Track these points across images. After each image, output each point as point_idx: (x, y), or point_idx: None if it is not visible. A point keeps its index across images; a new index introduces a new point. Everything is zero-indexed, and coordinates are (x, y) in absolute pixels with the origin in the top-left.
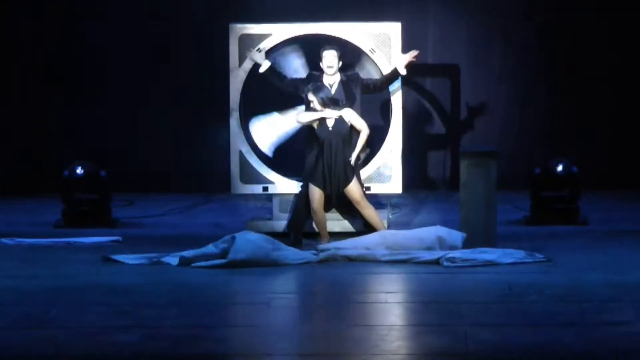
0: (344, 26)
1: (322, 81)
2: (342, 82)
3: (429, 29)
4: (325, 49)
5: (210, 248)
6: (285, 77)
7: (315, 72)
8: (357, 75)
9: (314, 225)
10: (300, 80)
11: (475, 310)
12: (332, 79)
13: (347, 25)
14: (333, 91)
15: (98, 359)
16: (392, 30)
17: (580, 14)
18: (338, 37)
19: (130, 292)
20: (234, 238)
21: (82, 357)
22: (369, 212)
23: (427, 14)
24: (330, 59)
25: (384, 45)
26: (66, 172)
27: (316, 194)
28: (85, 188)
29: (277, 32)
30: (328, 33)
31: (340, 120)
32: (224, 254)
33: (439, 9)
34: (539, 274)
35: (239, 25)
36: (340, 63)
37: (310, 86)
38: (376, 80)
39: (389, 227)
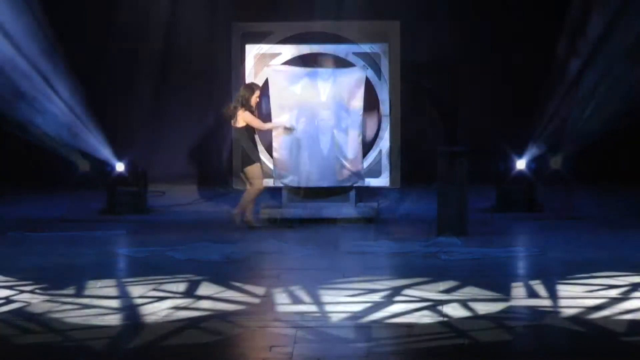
0: (343, 24)
1: None
2: None
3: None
4: None
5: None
6: None
7: None
8: None
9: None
10: None
11: (450, 284)
12: None
13: (346, 23)
14: None
15: (136, 326)
16: (391, 28)
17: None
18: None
19: (164, 269)
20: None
21: (121, 324)
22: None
23: (422, 15)
24: None
25: (375, 63)
26: (110, 168)
27: None
28: (126, 182)
29: (278, 30)
30: (326, 31)
31: None
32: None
33: (433, 10)
34: (502, 254)
35: (241, 24)
36: None
37: None
38: None
39: (379, 214)
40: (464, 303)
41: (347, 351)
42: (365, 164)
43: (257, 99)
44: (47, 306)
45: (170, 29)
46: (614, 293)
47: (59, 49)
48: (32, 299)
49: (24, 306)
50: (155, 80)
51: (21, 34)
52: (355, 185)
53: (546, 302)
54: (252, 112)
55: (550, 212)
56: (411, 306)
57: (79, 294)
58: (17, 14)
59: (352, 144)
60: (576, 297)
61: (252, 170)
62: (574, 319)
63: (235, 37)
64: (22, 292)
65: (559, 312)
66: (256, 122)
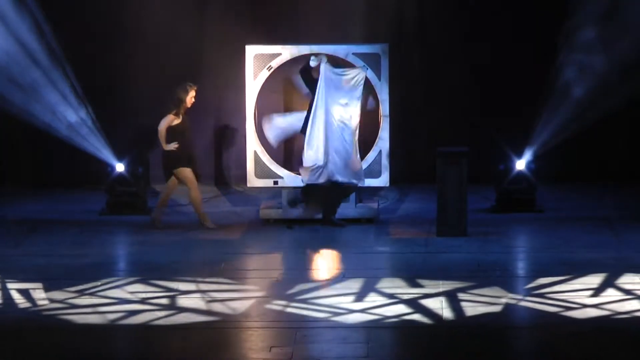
0: (340, 48)
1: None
2: None
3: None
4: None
5: None
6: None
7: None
8: None
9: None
10: None
11: (450, 284)
12: None
13: (343, 47)
14: None
15: (136, 327)
16: (382, 50)
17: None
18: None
19: (163, 269)
20: None
21: (121, 325)
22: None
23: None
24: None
25: (375, 63)
26: (110, 169)
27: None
28: (125, 182)
29: (286, 51)
30: (328, 53)
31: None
32: None
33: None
34: (502, 254)
35: (254, 46)
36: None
37: None
38: None
39: (379, 214)
40: (463, 302)
41: (347, 351)
42: (365, 164)
43: (192, 99)
44: (45, 306)
45: (176, 35)
46: (613, 292)
47: (59, 48)
48: (33, 298)
49: (26, 306)
50: (157, 82)
51: (21, 33)
52: (357, 185)
53: (545, 302)
54: (179, 114)
55: (551, 213)
56: (411, 306)
57: (77, 295)
58: (18, 14)
59: (353, 144)
60: (576, 296)
61: (185, 172)
62: (573, 318)
63: (248, 56)
64: (23, 292)
65: (558, 312)
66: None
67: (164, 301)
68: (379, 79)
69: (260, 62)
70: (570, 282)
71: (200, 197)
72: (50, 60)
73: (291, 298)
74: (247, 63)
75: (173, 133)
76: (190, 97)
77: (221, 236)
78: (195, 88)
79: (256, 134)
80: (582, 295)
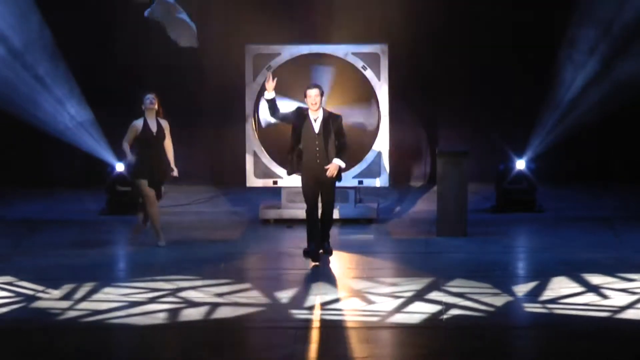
0: (340, 47)
1: (308, 115)
2: (324, 118)
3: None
4: (309, 88)
5: None
6: (278, 110)
7: (303, 106)
8: (339, 118)
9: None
10: (290, 113)
11: (450, 284)
12: (315, 114)
13: (342, 47)
14: (318, 125)
15: (136, 327)
16: (381, 50)
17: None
18: (335, 56)
19: (163, 269)
20: None
21: (121, 325)
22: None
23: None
24: (313, 97)
25: (374, 63)
26: (110, 169)
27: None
28: (125, 182)
29: (285, 51)
30: (327, 52)
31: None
32: None
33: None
34: (502, 254)
35: (254, 46)
36: (324, 100)
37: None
38: (338, 137)
39: (379, 215)
40: (463, 302)
41: (347, 351)
42: (365, 164)
43: (151, 106)
44: (45, 306)
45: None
46: (613, 293)
47: (59, 50)
48: (33, 299)
49: (26, 306)
50: (157, 82)
51: (22, 34)
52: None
53: (545, 302)
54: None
55: (551, 213)
56: (411, 306)
57: (76, 294)
58: (18, 17)
59: None
60: (576, 296)
61: (142, 185)
62: (574, 318)
63: (247, 56)
64: (23, 292)
65: (558, 312)
66: None
67: (164, 301)
68: (379, 79)
69: (260, 62)
70: (570, 282)
71: (158, 212)
72: (50, 60)
73: (291, 298)
74: (247, 63)
75: (137, 141)
76: (145, 105)
77: (221, 236)
78: (153, 95)
79: (256, 134)
80: (582, 296)
